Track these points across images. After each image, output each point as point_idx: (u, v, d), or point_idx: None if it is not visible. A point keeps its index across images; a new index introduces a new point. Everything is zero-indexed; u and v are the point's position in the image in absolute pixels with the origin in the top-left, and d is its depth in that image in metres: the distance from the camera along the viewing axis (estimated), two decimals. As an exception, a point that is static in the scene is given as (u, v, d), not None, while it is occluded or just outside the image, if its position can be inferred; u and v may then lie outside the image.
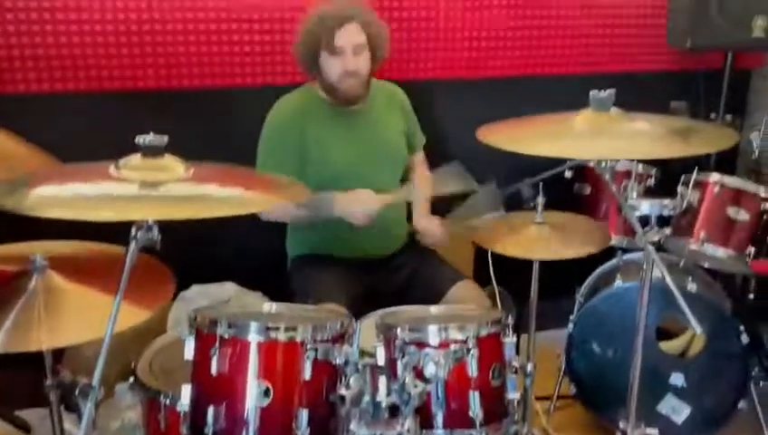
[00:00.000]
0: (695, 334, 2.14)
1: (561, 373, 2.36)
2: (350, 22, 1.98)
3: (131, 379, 1.59)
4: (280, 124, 2.10)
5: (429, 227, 2.14)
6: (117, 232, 1.22)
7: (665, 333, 2.20)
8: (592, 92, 1.46)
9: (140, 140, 1.21)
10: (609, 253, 2.35)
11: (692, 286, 2.10)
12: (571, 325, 2.25)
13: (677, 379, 2.16)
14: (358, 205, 1.97)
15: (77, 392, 1.21)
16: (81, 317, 1.27)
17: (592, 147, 1.43)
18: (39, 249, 1.33)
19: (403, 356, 1.38)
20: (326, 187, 2.03)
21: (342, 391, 1.32)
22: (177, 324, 2.03)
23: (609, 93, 1.45)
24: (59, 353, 1.77)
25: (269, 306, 1.57)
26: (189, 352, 1.37)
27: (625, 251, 2.40)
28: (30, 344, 1.19)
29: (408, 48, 2.57)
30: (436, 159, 2.38)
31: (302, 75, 2.31)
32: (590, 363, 2.25)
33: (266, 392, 1.31)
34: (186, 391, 1.36)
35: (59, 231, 1.34)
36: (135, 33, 2.28)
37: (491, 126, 1.55)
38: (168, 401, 1.50)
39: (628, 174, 2.41)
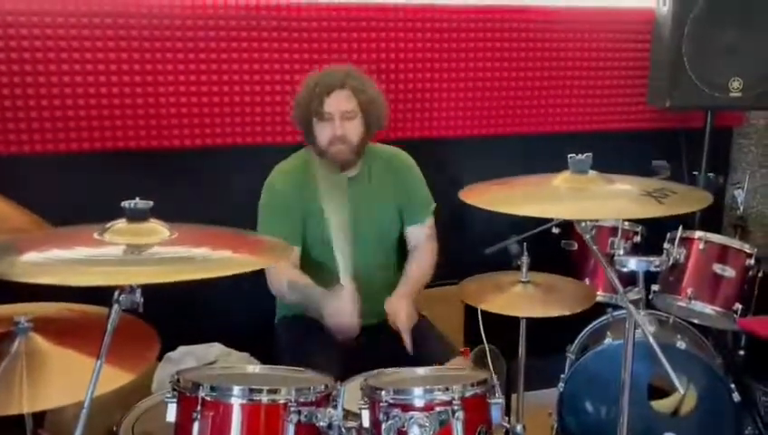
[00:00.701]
0: (686, 392, 2.12)
1: (554, 433, 2.33)
2: (341, 88, 2.02)
3: (113, 443, 1.57)
4: (281, 187, 2.12)
5: (396, 310, 1.98)
6: (102, 293, 1.23)
7: (660, 391, 2.18)
8: (570, 156, 1.51)
9: (126, 205, 1.23)
10: (599, 310, 2.36)
11: (681, 344, 2.09)
12: (561, 384, 2.23)
13: (670, 438, 2.14)
14: (340, 321, 1.95)
15: (55, 459, 1.19)
16: (64, 380, 1.26)
17: (571, 208, 1.47)
18: (23, 311, 1.32)
19: (387, 419, 1.36)
20: (317, 251, 2.06)
21: (325, 455, 1.31)
22: (161, 386, 2.00)
23: (586, 157, 1.50)
24: (40, 416, 1.74)
25: (252, 368, 1.56)
26: (171, 414, 1.37)
27: (615, 308, 2.40)
28: (11, 407, 1.18)
29: (394, 109, 2.62)
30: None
31: (291, 136, 2.36)
32: (582, 423, 2.22)
33: (248, 457, 1.30)
34: (167, 456, 1.35)
35: (44, 292, 1.34)
36: (128, 96, 2.32)
37: (473, 187, 1.59)
38: (149, 467, 1.47)
39: (614, 231, 2.43)
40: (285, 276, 2.05)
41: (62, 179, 2.29)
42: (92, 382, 1.15)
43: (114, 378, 1.26)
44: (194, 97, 2.39)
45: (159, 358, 2.12)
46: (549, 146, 2.43)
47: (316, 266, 2.12)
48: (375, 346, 2.06)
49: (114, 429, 1.60)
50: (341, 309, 1.93)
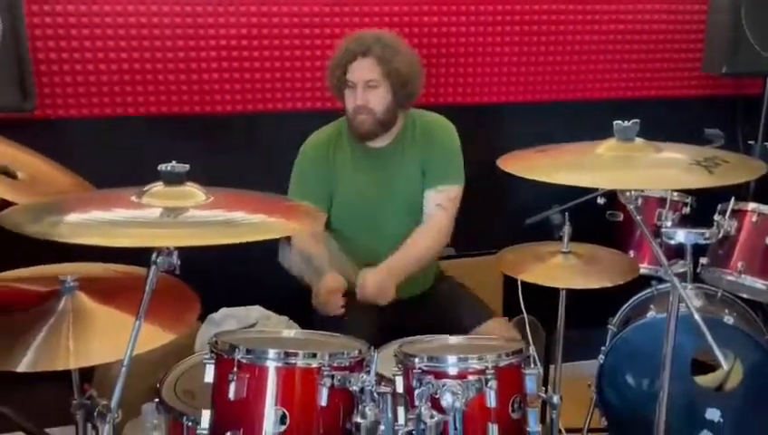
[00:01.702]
0: (732, 367, 2.07)
1: (592, 405, 2.31)
2: (364, 56, 1.96)
3: (156, 399, 1.62)
4: (311, 154, 2.12)
5: (365, 282, 1.93)
6: (145, 254, 1.25)
7: (704, 366, 2.13)
8: (616, 123, 1.45)
9: (162, 168, 1.24)
10: (643, 282, 2.30)
11: (728, 318, 2.03)
12: (602, 356, 2.20)
13: (714, 414, 2.09)
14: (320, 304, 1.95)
15: (95, 413, 1.23)
16: (108, 338, 1.29)
17: (614, 177, 1.42)
18: (69, 271, 1.36)
19: (420, 385, 1.37)
20: (344, 221, 2.05)
21: (358, 419, 1.32)
22: (203, 346, 2.05)
23: (633, 123, 1.44)
24: (88, 372, 1.80)
25: (288, 332, 1.58)
26: (209, 375, 1.40)
27: (660, 281, 2.34)
28: (58, 364, 1.21)
29: (436, 74, 2.57)
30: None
31: (331, 102, 2.34)
32: (622, 395, 2.19)
33: (283, 419, 1.32)
34: (205, 416, 1.38)
35: (89, 252, 1.37)
36: (172, 60, 2.33)
37: (512, 154, 1.55)
38: (190, 423, 1.51)
39: (662, 202, 2.36)
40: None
41: (106, 142, 2.34)
42: (131, 341, 1.17)
43: (154, 337, 1.28)
44: (236, 62, 2.39)
45: (202, 319, 2.17)
46: (596, 113, 2.35)
47: (343, 237, 2.11)
48: (414, 317, 2.04)
49: (157, 386, 1.66)
50: (323, 295, 1.93)
